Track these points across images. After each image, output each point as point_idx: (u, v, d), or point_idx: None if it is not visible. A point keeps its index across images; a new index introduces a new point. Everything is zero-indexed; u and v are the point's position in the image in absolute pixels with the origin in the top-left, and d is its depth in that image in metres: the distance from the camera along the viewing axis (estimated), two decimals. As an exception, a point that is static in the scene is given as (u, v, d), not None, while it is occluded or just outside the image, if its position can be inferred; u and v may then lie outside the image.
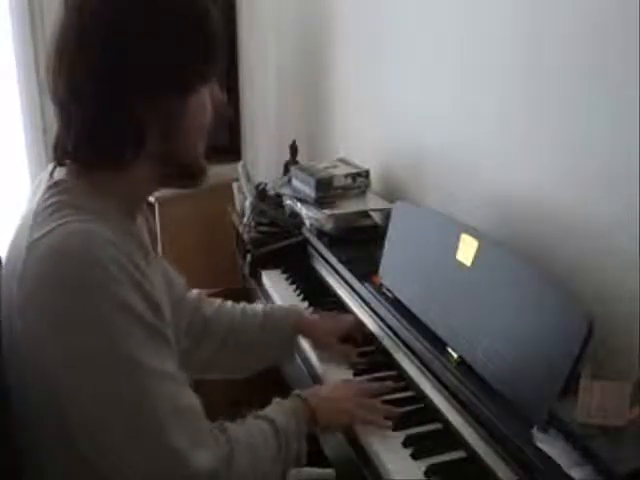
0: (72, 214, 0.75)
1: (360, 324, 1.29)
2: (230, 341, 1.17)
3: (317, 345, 1.23)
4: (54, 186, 0.80)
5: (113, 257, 0.72)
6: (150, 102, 0.78)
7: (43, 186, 0.81)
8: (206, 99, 0.85)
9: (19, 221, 0.82)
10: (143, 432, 0.72)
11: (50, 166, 0.84)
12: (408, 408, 1.05)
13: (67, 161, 0.82)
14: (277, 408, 0.93)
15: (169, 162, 0.84)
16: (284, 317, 1.22)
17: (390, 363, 1.18)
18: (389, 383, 1.10)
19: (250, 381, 1.26)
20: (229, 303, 1.22)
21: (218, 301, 1.21)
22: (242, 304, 1.23)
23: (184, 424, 0.75)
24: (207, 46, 0.82)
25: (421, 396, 1.07)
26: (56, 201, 0.77)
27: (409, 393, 1.09)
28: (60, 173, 0.81)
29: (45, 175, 0.83)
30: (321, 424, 0.95)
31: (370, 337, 1.26)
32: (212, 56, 0.83)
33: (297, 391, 0.99)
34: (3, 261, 0.82)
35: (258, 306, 1.23)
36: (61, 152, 0.81)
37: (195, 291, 1.18)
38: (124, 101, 0.77)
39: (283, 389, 1.24)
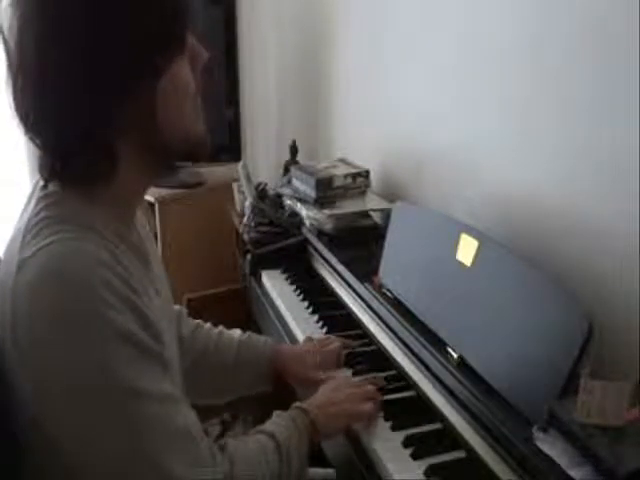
0: (63, 231, 0.72)
1: (344, 346, 1.21)
2: (201, 365, 1.12)
3: (299, 382, 1.16)
4: (45, 198, 0.77)
5: (104, 279, 0.70)
6: (120, 94, 0.73)
7: (34, 199, 0.78)
8: (184, 69, 0.78)
9: (12, 233, 0.78)
10: (140, 457, 0.71)
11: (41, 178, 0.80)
12: (407, 408, 1.05)
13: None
14: (277, 421, 0.92)
15: (155, 142, 0.79)
16: (259, 349, 1.17)
17: (390, 363, 1.18)
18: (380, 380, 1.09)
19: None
20: (207, 326, 1.19)
21: (196, 322, 1.18)
22: (219, 328, 1.19)
23: (182, 447, 0.73)
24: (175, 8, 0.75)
25: (421, 396, 1.07)
26: (46, 216, 0.74)
27: (409, 393, 1.09)
28: (53, 184, 0.78)
29: (37, 185, 0.80)
30: (321, 432, 0.94)
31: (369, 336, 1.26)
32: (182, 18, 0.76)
33: (297, 403, 0.98)
34: None
35: (235, 334, 1.19)
36: (46, 172, 0.77)
37: (176, 307, 1.13)
38: (90, 95, 0.72)
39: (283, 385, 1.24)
